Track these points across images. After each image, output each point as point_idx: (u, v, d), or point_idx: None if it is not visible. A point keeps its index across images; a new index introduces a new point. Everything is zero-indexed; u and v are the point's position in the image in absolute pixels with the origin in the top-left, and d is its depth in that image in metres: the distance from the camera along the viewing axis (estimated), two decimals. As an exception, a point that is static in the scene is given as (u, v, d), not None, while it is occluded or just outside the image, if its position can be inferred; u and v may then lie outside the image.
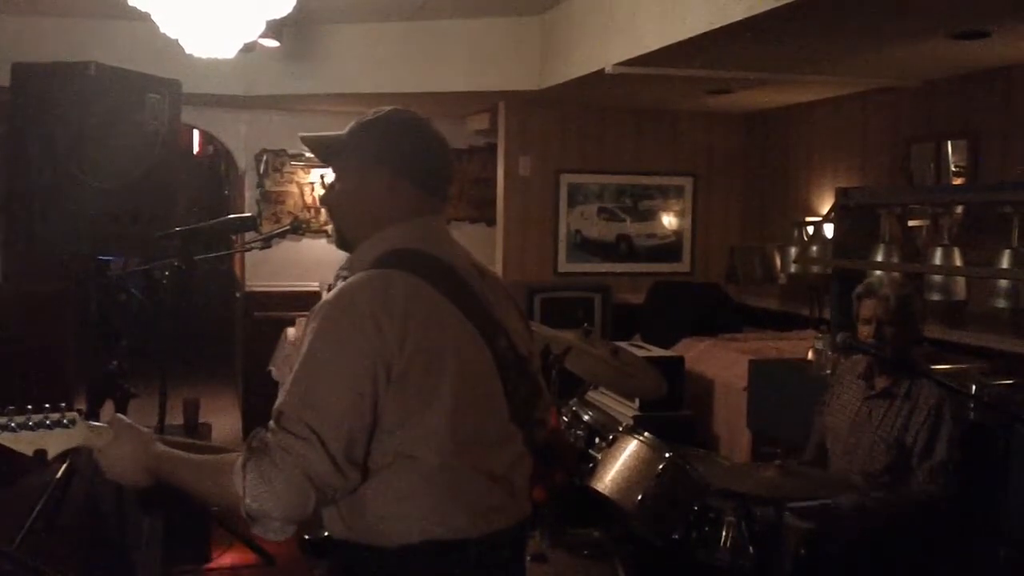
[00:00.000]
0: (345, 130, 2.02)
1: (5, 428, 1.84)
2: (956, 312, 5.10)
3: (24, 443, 1.85)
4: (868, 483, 3.44)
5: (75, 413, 1.88)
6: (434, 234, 2.00)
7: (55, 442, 1.86)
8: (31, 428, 1.85)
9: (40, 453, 1.86)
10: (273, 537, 1.75)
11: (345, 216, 2.03)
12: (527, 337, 2.07)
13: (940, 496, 3.34)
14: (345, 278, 1.93)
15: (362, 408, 1.75)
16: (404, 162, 1.98)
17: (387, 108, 2.03)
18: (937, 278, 4.65)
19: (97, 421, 1.94)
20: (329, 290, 4.01)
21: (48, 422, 1.85)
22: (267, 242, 4.72)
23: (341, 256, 2.07)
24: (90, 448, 1.90)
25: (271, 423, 1.76)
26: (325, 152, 2.09)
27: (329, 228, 4.42)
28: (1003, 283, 4.31)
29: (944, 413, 3.38)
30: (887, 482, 3.43)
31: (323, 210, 4.47)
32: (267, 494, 1.70)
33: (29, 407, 1.87)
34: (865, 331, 3.54)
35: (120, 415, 1.94)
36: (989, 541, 3.56)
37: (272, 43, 6.00)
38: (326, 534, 1.91)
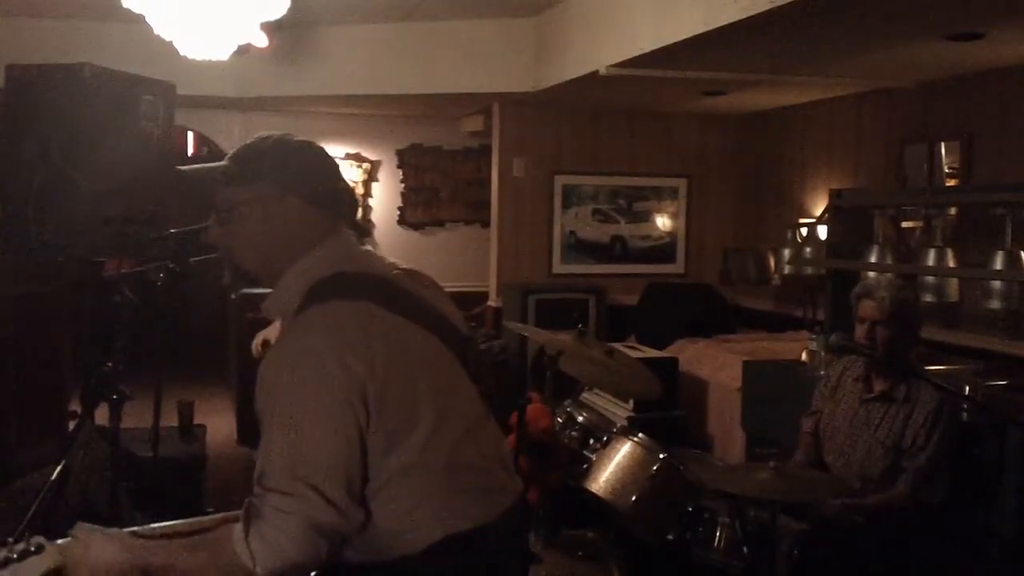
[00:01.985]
0: (226, 160, 1.93)
1: None
2: (949, 313, 5.12)
3: None
4: (865, 486, 3.45)
5: (40, 538, 1.78)
6: (352, 250, 1.96)
7: (27, 573, 1.76)
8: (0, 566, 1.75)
9: None
10: None
11: (252, 254, 1.92)
12: (461, 316, 2.07)
13: (920, 499, 3.35)
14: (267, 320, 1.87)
15: (352, 448, 1.73)
16: (310, 188, 1.90)
17: (266, 134, 1.95)
18: (930, 279, 4.65)
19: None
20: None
21: (16, 555, 1.75)
22: (262, 244, 4.71)
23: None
24: (64, 567, 1.78)
25: (256, 489, 1.73)
26: (207, 185, 1.96)
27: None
28: (996, 284, 4.32)
29: (941, 417, 3.39)
30: (883, 485, 3.44)
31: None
32: (276, 557, 1.69)
33: None
34: (860, 331, 3.54)
35: (83, 523, 1.81)
36: (983, 540, 3.57)
37: (263, 41, 5.96)
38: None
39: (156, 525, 1.89)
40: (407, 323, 1.85)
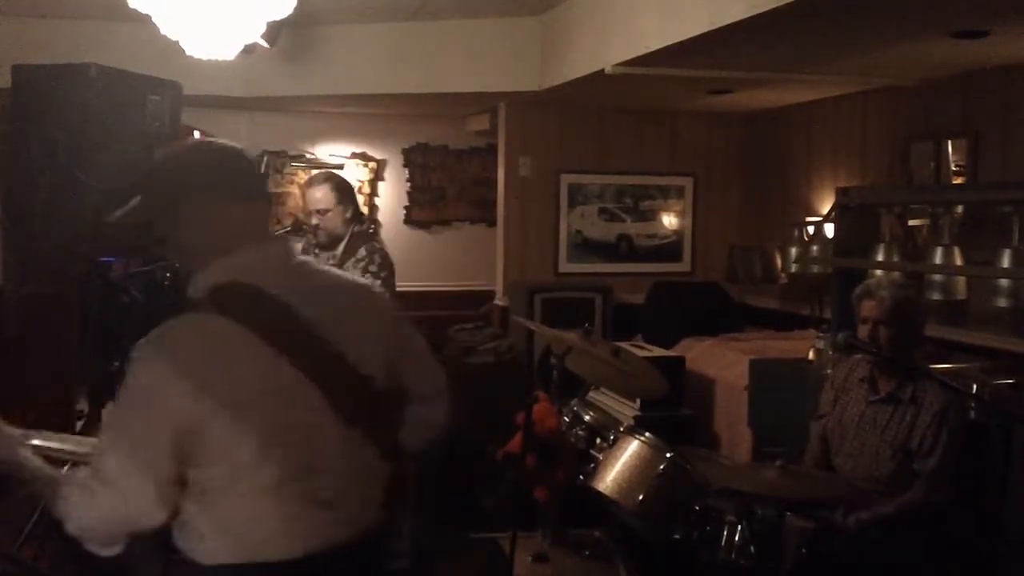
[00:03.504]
0: (138, 197, 2.02)
1: None
2: (956, 311, 5.10)
3: None
4: (872, 487, 3.45)
5: None
6: (268, 262, 1.96)
7: None
8: None
9: None
10: (103, 554, 1.88)
11: (191, 260, 1.97)
12: (377, 352, 2.02)
13: (933, 500, 3.34)
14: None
15: (159, 461, 1.81)
16: (204, 181, 1.94)
17: (163, 150, 2.09)
18: (937, 277, 4.66)
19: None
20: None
21: None
22: (268, 243, 4.73)
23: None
24: None
25: (91, 459, 1.89)
26: (141, 219, 2.07)
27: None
28: (1003, 282, 4.32)
29: (948, 417, 3.38)
30: (891, 487, 3.43)
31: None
32: (83, 522, 1.85)
33: None
34: (862, 332, 3.54)
35: None
36: (989, 540, 3.56)
37: (263, 44, 5.99)
38: None
39: (56, 445, 2.24)
40: (269, 354, 1.84)
